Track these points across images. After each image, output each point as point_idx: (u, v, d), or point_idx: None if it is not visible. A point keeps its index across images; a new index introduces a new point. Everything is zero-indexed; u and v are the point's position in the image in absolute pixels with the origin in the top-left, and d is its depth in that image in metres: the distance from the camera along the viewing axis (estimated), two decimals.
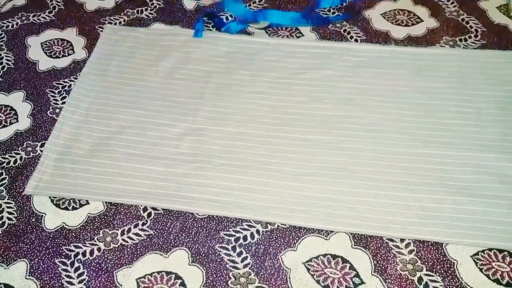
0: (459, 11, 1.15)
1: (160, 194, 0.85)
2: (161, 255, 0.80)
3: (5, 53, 1.13)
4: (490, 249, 0.77)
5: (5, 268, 0.80)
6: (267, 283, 0.76)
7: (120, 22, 1.19)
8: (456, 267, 0.76)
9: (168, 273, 0.78)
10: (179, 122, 0.96)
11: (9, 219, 0.85)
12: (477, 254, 0.77)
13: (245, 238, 0.81)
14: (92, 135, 0.95)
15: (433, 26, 1.12)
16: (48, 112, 1.01)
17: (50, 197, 0.87)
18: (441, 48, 1.07)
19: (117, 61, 1.09)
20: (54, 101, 1.03)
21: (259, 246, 0.80)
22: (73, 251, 0.81)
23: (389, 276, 0.75)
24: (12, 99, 1.04)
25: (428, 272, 0.75)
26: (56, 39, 1.16)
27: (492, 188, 0.82)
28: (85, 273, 0.78)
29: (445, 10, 1.16)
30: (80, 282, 0.77)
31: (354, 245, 0.79)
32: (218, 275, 0.77)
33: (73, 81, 1.06)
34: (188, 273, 0.77)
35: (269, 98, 0.99)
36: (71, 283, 0.77)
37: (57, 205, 0.86)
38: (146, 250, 0.80)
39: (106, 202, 0.86)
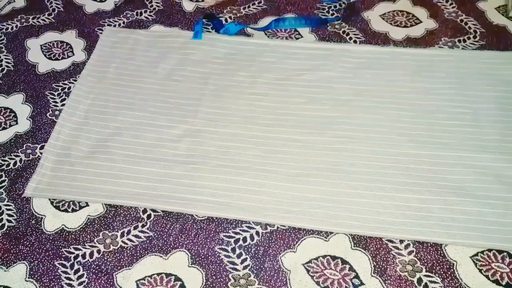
0: (458, 12, 1.15)
1: (158, 196, 0.86)
2: (160, 257, 0.80)
3: (5, 55, 1.14)
4: (490, 250, 0.77)
5: (5, 271, 0.80)
6: (267, 284, 0.76)
7: (119, 24, 1.19)
8: (456, 268, 0.76)
9: (168, 275, 0.78)
10: (178, 124, 0.96)
11: (8, 221, 0.85)
12: (476, 255, 0.77)
13: (244, 239, 0.81)
14: (91, 137, 0.95)
15: (432, 27, 1.13)
16: (48, 114, 1.01)
17: (49, 199, 0.87)
18: (440, 49, 1.07)
19: (116, 63, 1.09)
20: (54, 103, 1.03)
21: (258, 248, 0.80)
22: (72, 253, 0.81)
23: (388, 277, 0.75)
24: (11, 101, 1.04)
25: (427, 273, 0.75)
26: (55, 41, 1.16)
27: (491, 189, 0.82)
28: (85, 275, 0.78)
29: (443, 11, 1.16)
30: (80, 284, 0.77)
31: (354, 246, 0.79)
32: (218, 276, 0.77)
33: (72, 83, 1.06)
34: (188, 274, 0.78)
35: (268, 100, 0.99)
36: (71, 285, 0.77)
37: (57, 207, 0.86)
38: (146, 252, 0.80)
39: (105, 204, 0.86)
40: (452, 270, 0.76)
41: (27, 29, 1.20)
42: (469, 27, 1.11)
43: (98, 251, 0.81)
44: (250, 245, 0.80)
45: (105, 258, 0.80)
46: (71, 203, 0.87)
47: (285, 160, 0.89)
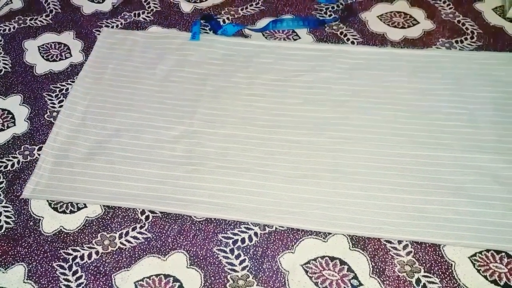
0: (455, 13, 1.15)
1: (156, 197, 0.85)
2: (159, 258, 0.80)
3: (2, 56, 1.13)
4: (488, 250, 0.77)
5: (3, 272, 0.79)
6: (265, 285, 0.76)
7: (117, 25, 1.19)
8: (454, 269, 0.76)
9: (166, 276, 0.78)
10: (176, 125, 0.96)
11: (6, 223, 0.85)
12: (474, 255, 0.77)
13: (243, 240, 0.81)
14: (89, 138, 0.95)
15: (429, 28, 1.13)
16: (46, 115, 1.01)
17: (47, 201, 0.87)
18: (437, 49, 1.08)
19: (114, 64, 1.09)
20: (52, 105, 1.02)
21: (257, 249, 0.80)
22: (71, 254, 0.81)
23: (387, 278, 0.75)
24: (9, 103, 1.04)
25: (426, 274, 0.76)
26: (53, 42, 1.16)
27: (488, 189, 0.83)
28: (83, 277, 0.78)
29: (441, 12, 1.16)
30: (78, 285, 0.77)
31: (352, 247, 0.79)
32: (216, 277, 0.77)
33: (70, 84, 1.06)
34: (186, 276, 0.78)
35: (266, 101, 0.99)
36: (69, 287, 0.77)
37: (55, 209, 0.86)
38: (144, 253, 0.80)
39: (103, 205, 0.86)
40: (450, 270, 0.76)
41: (25, 30, 1.19)
42: (466, 28, 1.12)
43: (97, 253, 0.81)
44: (248, 246, 0.80)
45: (104, 259, 0.80)
46: (69, 204, 0.87)
47: (283, 161, 0.89)
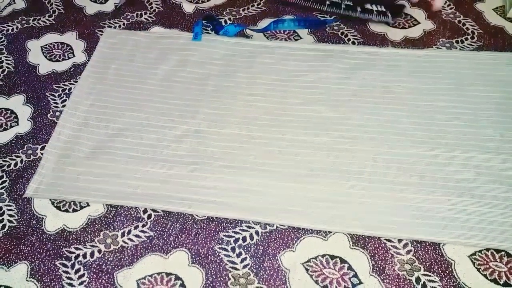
0: (456, 13, 1.16)
1: (159, 196, 0.86)
2: (161, 256, 0.80)
3: (5, 56, 1.14)
4: (488, 249, 0.78)
5: (5, 270, 0.80)
6: (266, 283, 0.76)
7: (119, 26, 1.20)
8: (454, 267, 0.76)
9: (168, 274, 0.78)
10: (178, 125, 0.97)
11: (9, 221, 0.86)
12: (474, 254, 0.77)
13: (244, 239, 0.81)
14: (92, 137, 0.96)
15: (429, 28, 1.13)
16: (49, 115, 1.01)
17: (50, 200, 0.88)
18: (438, 50, 1.08)
19: (117, 64, 1.10)
20: (54, 104, 1.03)
21: (258, 247, 0.80)
22: (73, 253, 0.81)
23: (387, 276, 0.76)
24: (12, 103, 1.05)
25: (425, 272, 0.76)
26: (56, 42, 1.17)
27: (489, 189, 0.83)
28: (86, 275, 0.79)
29: (441, 12, 1.16)
30: (80, 283, 0.78)
31: (352, 245, 0.80)
32: (218, 276, 0.77)
33: (73, 84, 1.07)
34: (188, 274, 0.78)
35: (267, 100, 1.00)
36: (71, 285, 0.78)
37: (58, 207, 0.87)
38: (146, 251, 0.81)
39: (106, 204, 0.87)
40: (450, 269, 0.76)
41: (28, 30, 1.20)
42: (467, 28, 1.12)
43: (99, 251, 0.81)
44: (249, 245, 0.81)
45: (106, 257, 0.81)
46: (71, 203, 0.87)
47: (284, 160, 0.90)
